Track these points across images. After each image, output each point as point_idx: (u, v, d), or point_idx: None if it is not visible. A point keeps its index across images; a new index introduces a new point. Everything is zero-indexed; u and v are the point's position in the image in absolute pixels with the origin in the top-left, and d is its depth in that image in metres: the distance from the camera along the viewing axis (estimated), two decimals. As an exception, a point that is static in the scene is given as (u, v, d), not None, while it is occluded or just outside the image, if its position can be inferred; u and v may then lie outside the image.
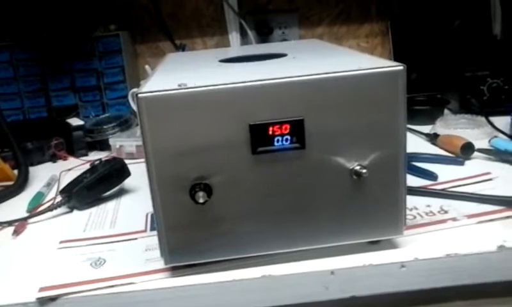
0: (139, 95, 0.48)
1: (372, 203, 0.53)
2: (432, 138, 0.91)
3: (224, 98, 0.48)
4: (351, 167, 0.52)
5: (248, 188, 0.51)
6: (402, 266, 0.54)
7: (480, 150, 0.82)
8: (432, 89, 1.14)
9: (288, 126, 0.49)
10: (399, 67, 0.49)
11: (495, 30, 1.27)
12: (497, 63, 1.05)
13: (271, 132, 0.49)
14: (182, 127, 0.49)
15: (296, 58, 0.63)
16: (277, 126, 0.49)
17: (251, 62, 0.62)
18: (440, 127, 0.97)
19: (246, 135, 0.50)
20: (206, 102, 0.48)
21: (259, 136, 0.49)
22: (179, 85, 0.48)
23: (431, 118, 1.01)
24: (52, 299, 0.52)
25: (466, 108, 1.04)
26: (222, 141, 0.50)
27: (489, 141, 0.85)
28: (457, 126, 0.95)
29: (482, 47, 1.16)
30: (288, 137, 0.50)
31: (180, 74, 0.59)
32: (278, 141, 0.50)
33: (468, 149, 0.81)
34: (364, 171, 0.51)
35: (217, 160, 0.50)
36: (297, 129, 0.50)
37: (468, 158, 0.81)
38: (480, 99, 1.03)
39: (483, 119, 0.96)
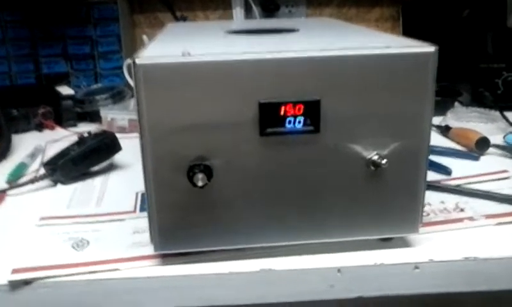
0: (137, 62, 0.42)
1: (388, 196, 0.48)
2: (444, 130, 0.86)
3: (233, 71, 0.43)
4: (369, 157, 0.47)
5: (253, 173, 0.46)
6: (416, 267, 0.50)
7: (495, 146, 0.77)
8: (442, 79, 1.09)
9: (302, 106, 0.44)
10: (430, 48, 0.44)
11: (509, 23, 1.22)
12: (514, 56, 1.00)
13: (282, 112, 0.44)
14: (183, 101, 0.43)
15: (311, 34, 0.57)
16: (290, 105, 0.44)
17: (262, 35, 0.56)
18: (451, 119, 0.92)
19: (254, 114, 0.44)
20: (212, 74, 0.43)
21: (269, 116, 0.44)
22: (183, 53, 0.42)
23: (441, 110, 0.96)
24: (26, 282, 0.47)
25: (478, 101, 0.99)
26: (227, 119, 0.44)
27: (504, 136, 0.80)
28: (470, 120, 0.90)
29: (498, 39, 1.11)
30: (302, 119, 0.44)
31: (183, 44, 0.53)
32: (289, 122, 0.44)
33: (483, 144, 0.77)
34: (384, 161, 0.46)
35: (220, 139, 0.45)
36: (312, 111, 0.44)
37: (483, 154, 0.77)
38: (494, 93, 0.98)
39: (496, 113, 0.91)
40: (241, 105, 0.44)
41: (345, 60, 0.43)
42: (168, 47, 0.51)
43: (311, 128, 0.45)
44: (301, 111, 0.44)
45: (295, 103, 0.44)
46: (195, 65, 0.42)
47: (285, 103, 0.44)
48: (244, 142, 0.45)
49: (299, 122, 0.44)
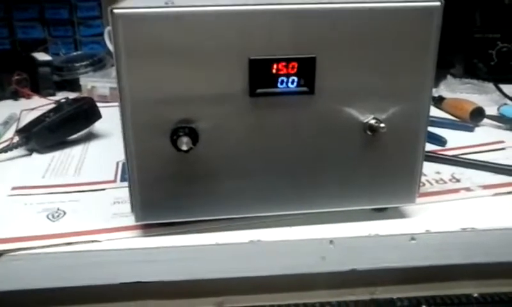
0: (115, 11, 0.38)
1: (385, 164, 0.46)
2: (437, 101, 0.83)
3: (221, 23, 0.39)
4: (366, 121, 0.44)
5: (241, 136, 0.43)
6: (412, 238, 0.47)
7: (490, 117, 0.75)
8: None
9: (296, 65, 0.40)
10: (436, 2, 0.40)
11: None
12: (508, 27, 0.97)
13: (274, 71, 0.41)
14: (165, 57, 0.40)
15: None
16: (283, 63, 0.40)
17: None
18: (443, 91, 0.90)
19: (243, 72, 0.41)
20: (198, 26, 0.39)
21: (260, 74, 0.41)
22: (165, 3, 0.39)
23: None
24: (-4, 255, 0.44)
25: (471, 73, 0.96)
26: (214, 78, 0.41)
27: (499, 108, 0.79)
28: (463, 91, 0.88)
29: (492, 9, 1.08)
30: (295, 79, 0.41)
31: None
32: (282, 82, 0.41)
33: (478, 114, 0.75)
34: (382, 125, 0.43)
35: (206, 100, 0.41)
36: (307, 69, 0.41)
37: (477, 125, 0.74)
38: (487, 64, 0.95)
39: (490, 85, 0.89)
40: (230, 62, 0.40)
41: (344, 14, 0.40)
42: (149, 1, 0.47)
43: (305, 89, 0.42)
44: (295, 70, 0.40)
45: (288, 61, 0.40)
46: (179, 15, 0.38)
47: (278, 61, 0.40)
48: (232, 104, 0.41)
49: (293, 82, 0.41)
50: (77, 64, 0.94)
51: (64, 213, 0.50)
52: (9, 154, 0.64)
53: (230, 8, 0.39)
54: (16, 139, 0.66)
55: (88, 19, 1.05)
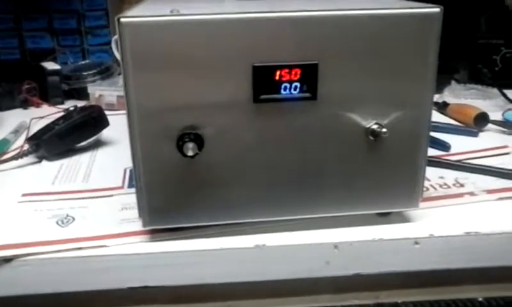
0: (122, 20, 0.39)
1: (388, 169, 0.46)
2: (441, 107, 0.84)
3: (226, 31, 0.40)
4: (368, 126, 0.44)
5: (246, 142, 0.44)
6: (416, 243, 0.48)
7: (494, 122, 0.75)
8: (438, 56, 1.07)
9: (298, 71, 0.41)
10: (435, 9, 0.41)
11: (508, 1, 1.20)
12: (512, 33, 0.98)
13: (277, 77, 0.41)
14: (171, 63, 0.40)
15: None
16: (285, 70, 0.41)
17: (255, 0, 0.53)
18: (448, 97, 0.90)
19: (247, 79, 0.41)
20: (203, 34, 0.40)
21: (263, 81, 0.41)
22: (171, 11, 0.40)
23: (437, 87, 0.93)
24: (7, 260, 0.45)
25: (475, 78, 0.97)
26: (218, 85, 0.41)
27: (503, 113, 0.79)
28: (467, 97, 0.89)
29: (496, 15, 1.08)
30: (298, 85, 0.42)
31: (172, 5, 0.50)
32: (285, 88, 0.42)
33: (482, 119, 0.75)
34: (384, 130, 0.43)
35: (211, 106, 0.42)
36: (310, 75, 0.42)
37: (482, 130, 0.75)
38: (492, 69, 0.96)
39: (494, 90, 0.90)
40: (234, 68, 0.41)
41: (345, 20, 0.41)
42: (155, 9, 0.48)
43: (308, 95, 0.42)
44: (298, 76, 0.41)
45: (291, 68, 0.41)
46: (185, 23, 0.39)
47: (281, 68, 0.41)
48: (236, 110, 0.42)
49: (296, 88, 0.42)
50: (85, 73, 0.95)
51: (74, 219, 0.51)
52: (20, 161, 0.65)
53: (233, 16, 0.40)
54: (26, 146, 0.67)
55: (95, 28, 1.07)
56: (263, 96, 0.42)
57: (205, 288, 0.49)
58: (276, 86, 0.42)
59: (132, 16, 0.39)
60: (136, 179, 0.44)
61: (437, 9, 0.41)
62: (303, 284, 0.50)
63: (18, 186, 0.58)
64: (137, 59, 0.40)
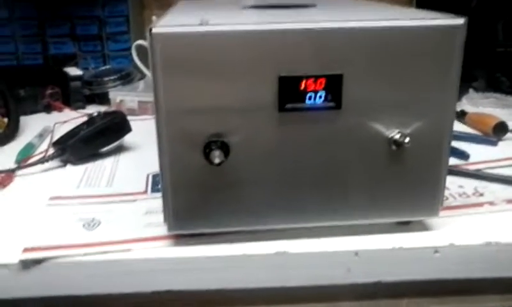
0: (154, 30, 0.40)
1: (409, 178, 0.47)
2: (460, 115, 0.84)
3: (253, 42, 0.41)
4: (391, 135, 0.45)
5: (271, 150, 0.45)
6: (436, 251, 0.48)
7: (513, 131, 0.75)
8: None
9: (323, 81, 0.42)
10: (459, 21, 0.42)
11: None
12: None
13: (303, 87, 0.42)
14: (200, 72, 0.42)
15: (329, 9, 0.55)
16: (311, 80, 0.42)
17: (279, 10, 0.54)
18: (466, 105, 0.90)
19: (273, 89, 0.42)
20: (231, 45, 0.41)
21: (289, 90, 0.42)
22: (201, 22, 0.41)
23: (455, 95, 0.94)
24: (37, 261, 0.46)
25: (494, 86, 0.97)
26: (246, 94, 0.42)
27: (523, 122, 0.78)
28: (486, 105, 0.88)
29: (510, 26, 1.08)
30: (323, 94, 0.43)
31: (199, 13, 0.51)
32: (310, 97, 0.43)
33: (501, 129, 0.75)
34: (406, 140, 0.44)
35: (237, 115, 0.43)
36: (334, 86, 0.42)
37: (501, 139, 0.75)
38: (510, 78, 0.95)
39: (514, 99, 0.89)
40: (261, 78, 0.42)
41: (369, 32, 0.42)
42: (184, 18, 0.49)
43: (332, 104, 0.43)
44: (322, 86, 0.42)
45: (316, 78, 0.42)
46: (214, 34, 0.40)
47: (306, 78, 0.42)
48: (262, 119, 0.43)
49: (320, 97, 0.43)
50: (106, 79, 0.97)
51: (99, 223, 0.52)
52: (45, 165, 0.67)
53: (260, 28, 0.41)
54: (51, 150, 0.69)
55: (116, 34, 1.09)
56: (288, 105, 0.43)
57: (227, 294, 0.49)
58: (301, 96, 0.42)
59: (162, 26, 0.40)
60: (162, 183, 0.45)
61: (461, 21, 0.42)
62: (324, 291, 0.50)
63: (45, 189, 0.60)
64: (167, 67, 0.41)
